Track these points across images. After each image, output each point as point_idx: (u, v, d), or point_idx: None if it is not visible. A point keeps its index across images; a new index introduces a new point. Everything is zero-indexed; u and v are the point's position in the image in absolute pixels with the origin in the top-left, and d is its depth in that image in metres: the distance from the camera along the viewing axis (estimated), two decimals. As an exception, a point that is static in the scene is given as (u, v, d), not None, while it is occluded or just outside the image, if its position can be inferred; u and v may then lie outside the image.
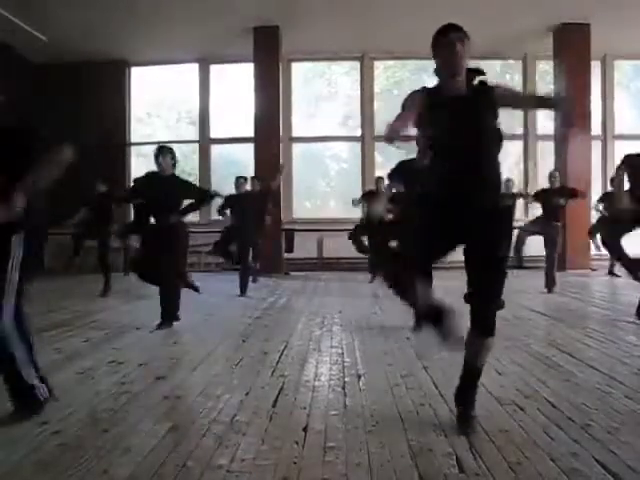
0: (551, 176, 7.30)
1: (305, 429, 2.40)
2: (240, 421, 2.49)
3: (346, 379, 3.18)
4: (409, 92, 2.40)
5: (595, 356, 3.65)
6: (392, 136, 2.27)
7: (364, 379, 3.18)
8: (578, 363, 3.45)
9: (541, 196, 7.24)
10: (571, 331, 4.49)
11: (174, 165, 4.94)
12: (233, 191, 7.64)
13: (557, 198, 6.95)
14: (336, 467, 2.02)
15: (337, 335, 4.48)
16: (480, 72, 2.38)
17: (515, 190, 8.78)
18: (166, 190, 4.80)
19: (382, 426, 2.42)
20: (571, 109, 2.39)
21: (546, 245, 7.07)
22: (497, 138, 2.33)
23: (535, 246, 7.40)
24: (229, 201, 7.51)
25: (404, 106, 2.35)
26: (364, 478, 1.94)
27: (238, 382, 3.15)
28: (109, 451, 2.17)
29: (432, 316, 2.31)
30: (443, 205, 2.28)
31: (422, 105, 2.30)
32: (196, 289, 5.52)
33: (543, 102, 2.82)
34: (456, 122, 2.25)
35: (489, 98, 2.34)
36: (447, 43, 2.28)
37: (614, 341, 4.13)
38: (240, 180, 7.63)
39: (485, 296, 2.33)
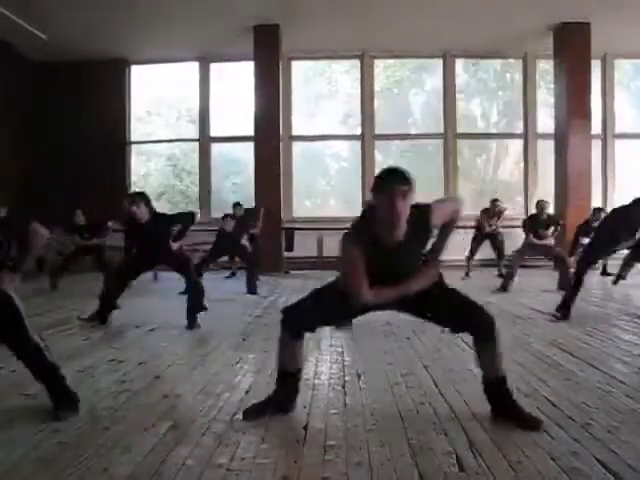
0: (538, 205, 7.35)
1: (305, 428, 2.40)
2: (240, 420, 2.49)
3: (346, 378, 3.18)
4: (345, 240, 2.34)
5: (595, 355, 3.65)
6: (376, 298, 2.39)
7: (364, 378, 3.18)
8: (578, 362, 3.46)
9: (529, 225, 7.28)
10: (571, 330, 4.49)
11: (150, 211, 4.82)
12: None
13: (544, 230, 7.16)
14: (336, 466, 2.02)
15: (337, 334, 4.48)
16: (420, 208, 2.35)
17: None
18: (148, 238, 4.84)
19: (382, 425, 2.42)
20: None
21: (553, 259, 7.28)
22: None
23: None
24: (219, 237, 7.79)
25: (347, 259, 2.35)
26: (364, 477, 1.94)
27: (238, 381, 3.15)
28: (109, 449, 2.17)
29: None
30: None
31: (361, 258, 2.29)
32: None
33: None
34: (387, 271, 2.34)
35: (424, 232, 2.41)
36: (390, 195, 2.21)
37: (614, 340, 4.13)
38: (227, 218, 7.91)
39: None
